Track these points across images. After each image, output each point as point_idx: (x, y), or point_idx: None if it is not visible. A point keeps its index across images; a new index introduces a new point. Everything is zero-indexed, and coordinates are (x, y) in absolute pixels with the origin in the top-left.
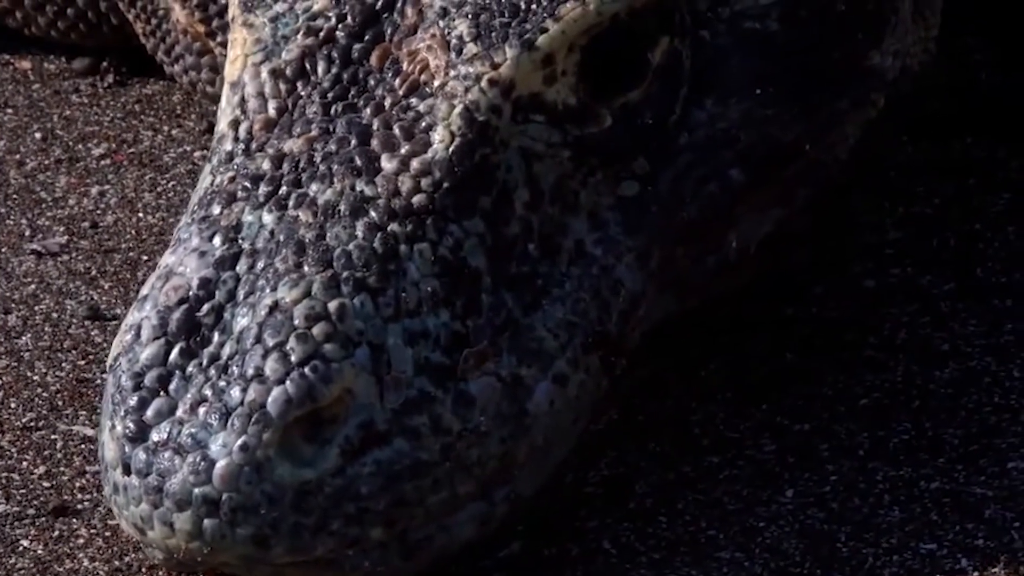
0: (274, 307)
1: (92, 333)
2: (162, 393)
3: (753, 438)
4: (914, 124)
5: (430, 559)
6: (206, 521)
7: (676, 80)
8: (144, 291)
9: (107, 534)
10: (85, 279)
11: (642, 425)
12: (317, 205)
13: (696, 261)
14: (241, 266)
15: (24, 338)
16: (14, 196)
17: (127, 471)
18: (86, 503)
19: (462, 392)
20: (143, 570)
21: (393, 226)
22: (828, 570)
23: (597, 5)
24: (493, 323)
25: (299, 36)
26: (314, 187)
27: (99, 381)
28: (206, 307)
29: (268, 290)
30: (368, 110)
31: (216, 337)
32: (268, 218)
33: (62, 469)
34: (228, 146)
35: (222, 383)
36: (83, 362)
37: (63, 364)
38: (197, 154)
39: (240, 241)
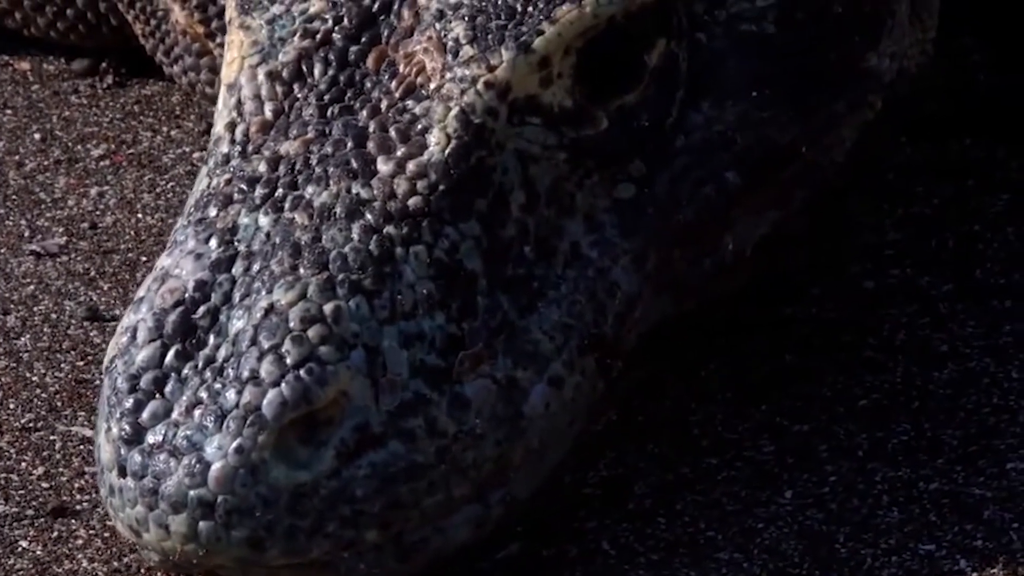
0: (270, 309)
1: (91, 334)
2: (158, 395)
3: (752, 439)
4: (912, 125)
5: (425, 561)
6: (201, 523)
7: (672, 82)
8: (140, 293)
9: (106, 535)
10: (84, 280)
11: (641, 426)
12: (313, 207)
13: (692, 263)
14: (237, 268)
15: (23, 339)
16: (13, 197)
17: (123, 473)
18: (85, 504)
19: (457, 394)
20: (142, 571)
21: (389, 228)
22: (827, 571)
23: (593, 7)
24: (489, 325)
25: (296, 38)
26: (310, 189)
27: (98, 382)
28: (202, 309)
29: (264, 292)
30: (364, 112)
31: (212, 339)
32: (264, 220)
33: (61, 470)
34: (224, 148)
35: (217, 385)
36: (82, 363)
37: (62, 365)
38: (196, 155)
39: (236, 243)
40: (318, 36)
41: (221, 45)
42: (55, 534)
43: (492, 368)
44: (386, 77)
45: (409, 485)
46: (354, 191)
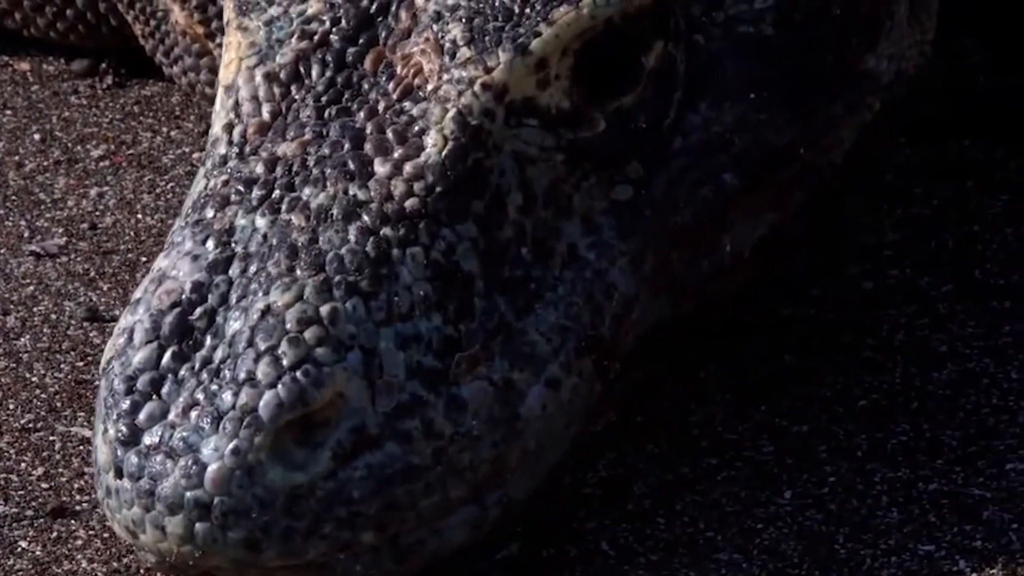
0: (266, 311)
1: (91, 334)
2: (154, 397)
3: (751, 439)
4: (912, 126)
5: (422, 563)
6: (197, 525)
7: (670, 84)
8: (137, 294)
9: (105, 535)
10: (84, 280)
11: (640, 426)
12: (310, 209)
13: (690, 265)
14: (234, 270)
15: (23, 339)
16: (13, 197)
17: (119, 475)
18: (84, 504)
19: (454, 396)
20: (141, 572)
21: (386, 230)
22: (826, 571)
23: (591, 9)
24: (486, 327)
25: (293, 40)
26: (307, 191)
27: (98, 383)
28: (199, 311)
29: (260, 294)
30: (361, 114)
31: (208, 341)
32: (261, 222)
33: (60, 470)
34: (222, 149)
35: (214, 387)
36: (82, 363)
37: (62, 365)
38: (196, 155)
39: (233, 245)
40: (316, 37)
41: (221, 46)
42: (54, 535)
43: (489, 370)
44: (383, 79)
45: (405, 487)
46: (351, 193)
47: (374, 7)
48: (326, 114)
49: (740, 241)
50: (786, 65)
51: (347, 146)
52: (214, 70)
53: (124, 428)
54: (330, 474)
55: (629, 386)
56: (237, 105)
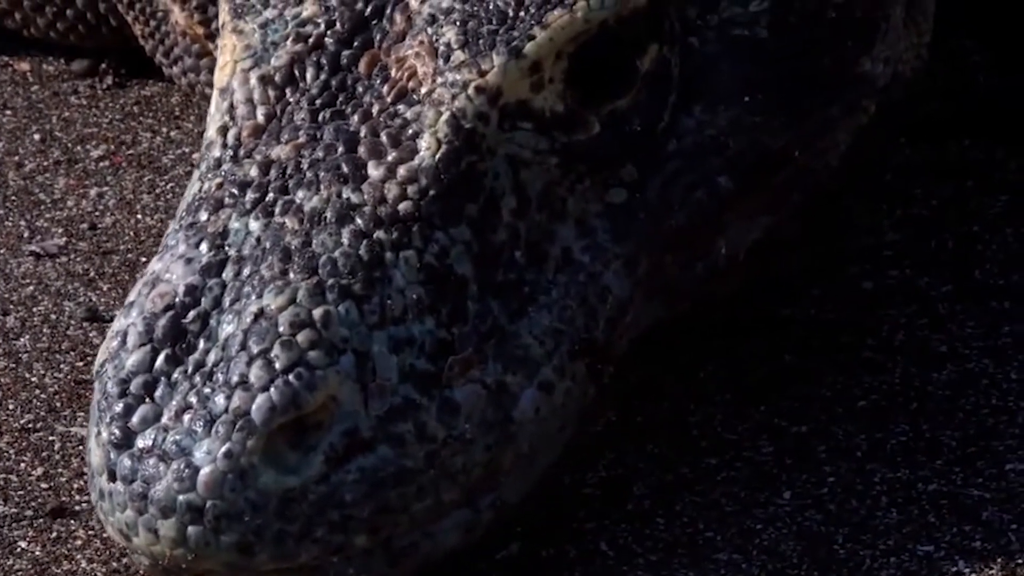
0: (259, 314)
1: (90, 335)
2: (147, 400)
3: (751, 440)
4: (911, 126)
5: (414, 566)
6: (190, 528)
7: (665, 87)
8: (131, 297)
9: (105, 535)
10: (83, 280)
11: (640, 427)
12: (303, 212)
13: (685, 268)
14: (227, 273)
15: (22, 339)
16: (13, 198)
17: (112, 477)
18: (84, 504)
19: (447, 399)
20: (140, 573)
21: (379, 233)
22: (825, 572)
23: (585, 12)
24: (479, 330)
25: (288, 42)
26: (301, 194)
27: None
28: (192, 314)
29: (254, 297)
30: (356, 117)
31: (202, 344)
32: (255, 225)
33: (60, 470)
34: (216, 152)
35: (207, 390)
36: (81, 363)
37: (61, 365)
38: (196, 156)
39: (226, 248)
40: (310, 40)
41: None
42: (54, 535)
43: (482, 373)
44: (378, 82)
45: (398, 490)
46: (345, 196)
47: (369, 10)
48: (320, 117)
49: (735, 244)
50: (781, 68)
51: (341, 149)
52: (214, 71)
53: (117, 431)
54: (323, 477)
55: (623, 389)
56: (232, 108)
